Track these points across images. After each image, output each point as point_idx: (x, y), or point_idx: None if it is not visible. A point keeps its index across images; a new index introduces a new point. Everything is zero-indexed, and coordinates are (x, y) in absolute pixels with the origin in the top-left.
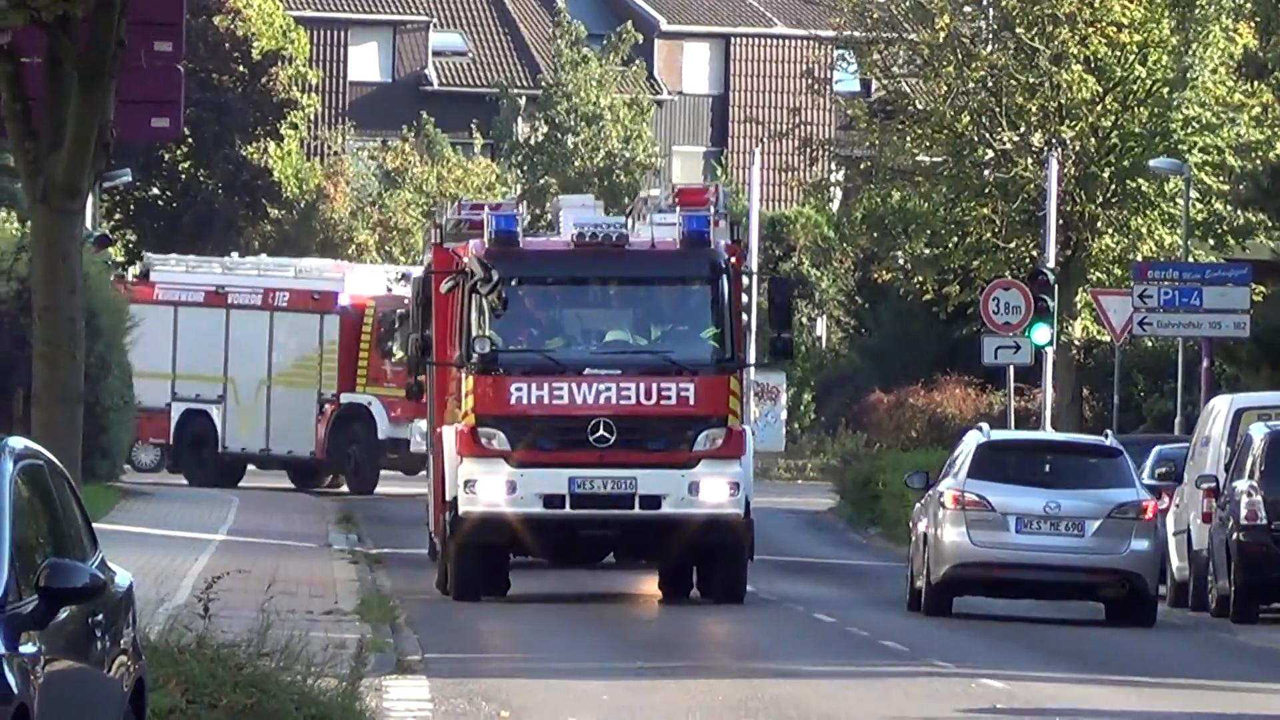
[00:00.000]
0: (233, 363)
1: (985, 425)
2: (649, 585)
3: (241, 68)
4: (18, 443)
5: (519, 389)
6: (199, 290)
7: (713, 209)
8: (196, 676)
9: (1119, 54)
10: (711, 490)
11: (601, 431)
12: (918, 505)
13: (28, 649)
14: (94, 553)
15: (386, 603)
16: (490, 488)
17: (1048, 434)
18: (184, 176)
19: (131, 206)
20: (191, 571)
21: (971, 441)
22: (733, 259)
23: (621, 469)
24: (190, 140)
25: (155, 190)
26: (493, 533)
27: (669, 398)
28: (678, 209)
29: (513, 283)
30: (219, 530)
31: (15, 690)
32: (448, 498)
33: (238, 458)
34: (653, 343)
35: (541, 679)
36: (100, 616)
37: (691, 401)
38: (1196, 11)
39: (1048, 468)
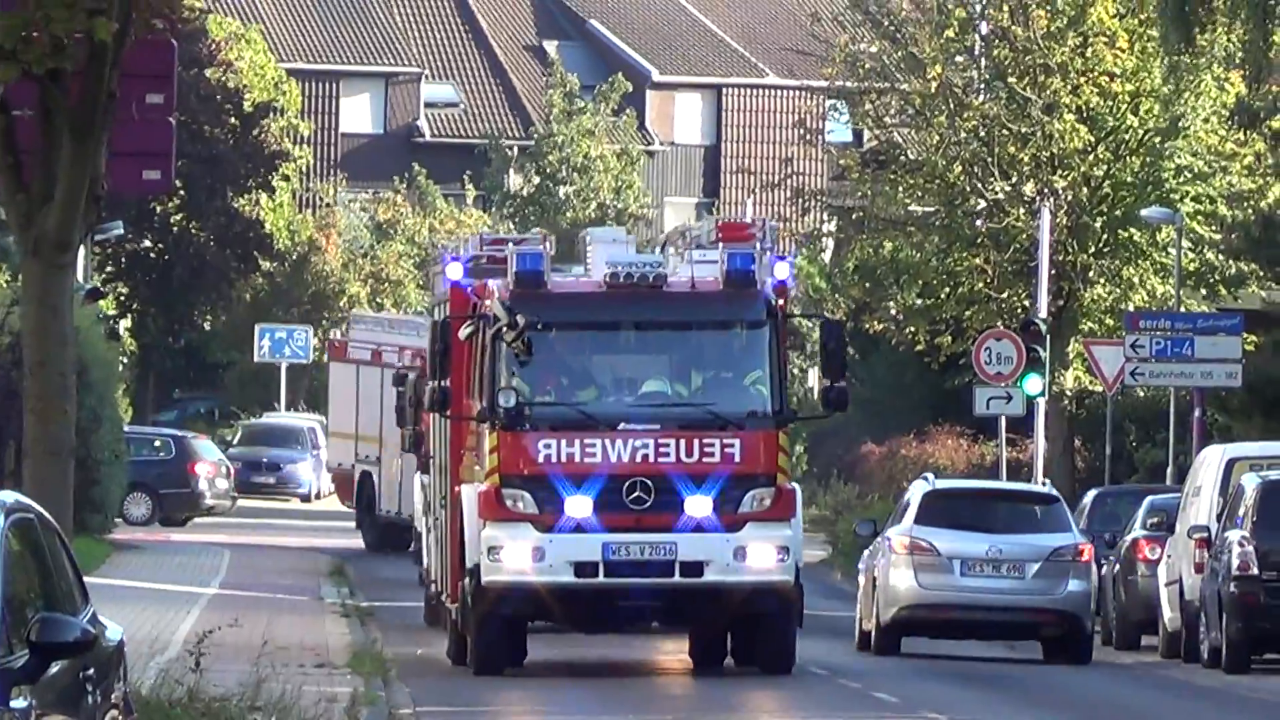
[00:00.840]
0: (386, 423)
1: (930, 475)
2: (669, 649)
3: (233, 120)
4: (9, 496)
5: (547, 446)
6: (368, 349)
7: (758, 245)
8: None
9: (1111, 103)
10: (759, 555)
11: (639, 492)
12: (865, 551)
13: (19, 704)
14: (85, 606)
15: (379, 656)
16: (516, 555)
17: (990, 483)
18: (175, 229)
19: (123, 259)
20: (183, 625)
21: (918, 490)
22: (780, 300)
23: (660, 533)
24: (182, 192)
25: (147, 243)
26: (519, 604)
27: (712, 454)
28: (720, 245)
29: (539, 328)
30: (211, 584)
31: None
32: (468, 564)
33: (390, 521)
34: (694, 394)
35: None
36: (91, 671)
37: (737, 458)
38: (1188, 60)
39: (990, 514)
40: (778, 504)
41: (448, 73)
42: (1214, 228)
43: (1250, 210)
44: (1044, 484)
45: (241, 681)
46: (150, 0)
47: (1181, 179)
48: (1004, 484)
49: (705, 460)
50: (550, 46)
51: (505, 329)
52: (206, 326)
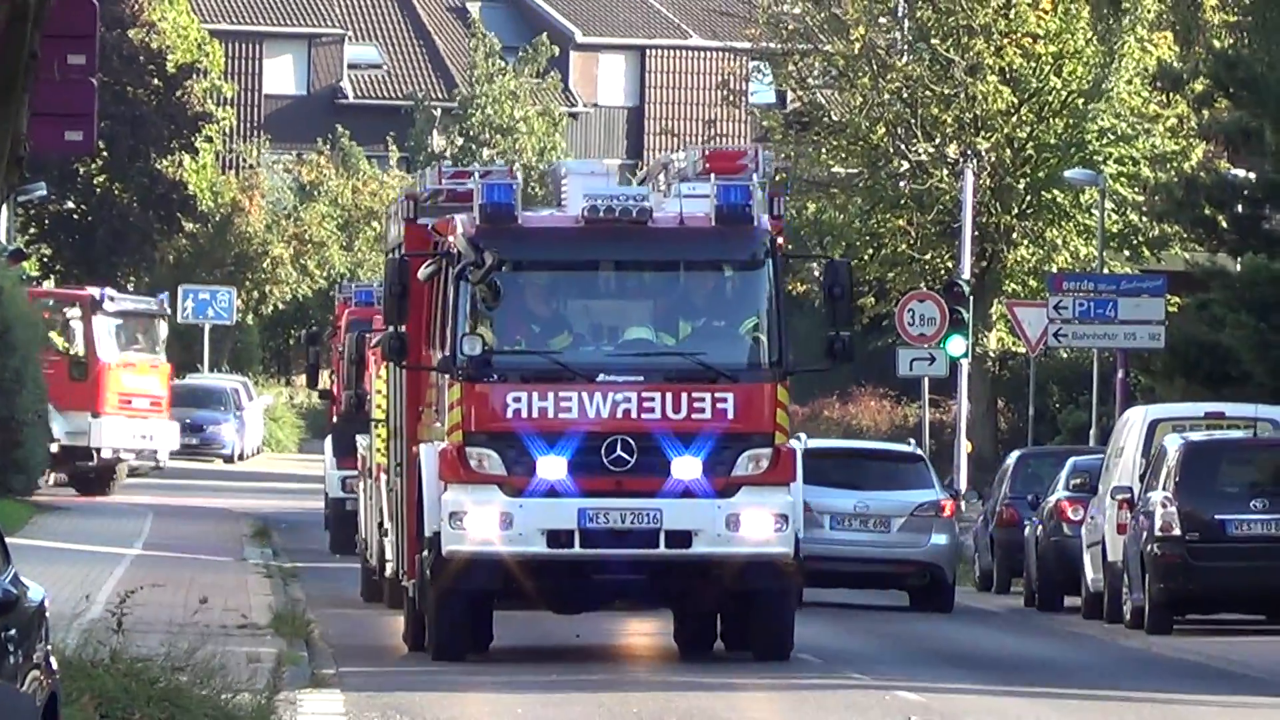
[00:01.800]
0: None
1: (803, 435)
2: (643, 629)
3: (156, 81)
4: None
5: (517, 400)
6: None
7: (754, 177)
8: (110, 691)
9: (1034, 65)
10: (754, 524)
11: (619, 452)
12: None
13: None
14: (6, 568)
15: (301, 617)
16: (482, 522)
17: (858, 442)
18: (98, 190)
19: (46, 221)
20: (106, 586)
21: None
22: (778, 238)
23: (644, 498)
24: (104, 154)
25: (70, 204)
26: (484, 577)
27: (702, 410)
28: (711, 178)
29: (509, 267)
30: (134, 544)
31: None
32: (427, 533)
33: None
34: (682, 342)
35: (456, 692)
36: (13, 631)
37: (730, 415)
38: (1113, 23)
39: (858, 472)
40: (776, 466)
41: (371, 34)
42: (1137, 189)
43: (1173, 172)
44: (910, 444)
45: (165, 642)
46: None
47: (1105, 141)
48: (871, 444)
49: (694, 417)
50: (473, 8)
51: (470, 268)
52: (130, 288)
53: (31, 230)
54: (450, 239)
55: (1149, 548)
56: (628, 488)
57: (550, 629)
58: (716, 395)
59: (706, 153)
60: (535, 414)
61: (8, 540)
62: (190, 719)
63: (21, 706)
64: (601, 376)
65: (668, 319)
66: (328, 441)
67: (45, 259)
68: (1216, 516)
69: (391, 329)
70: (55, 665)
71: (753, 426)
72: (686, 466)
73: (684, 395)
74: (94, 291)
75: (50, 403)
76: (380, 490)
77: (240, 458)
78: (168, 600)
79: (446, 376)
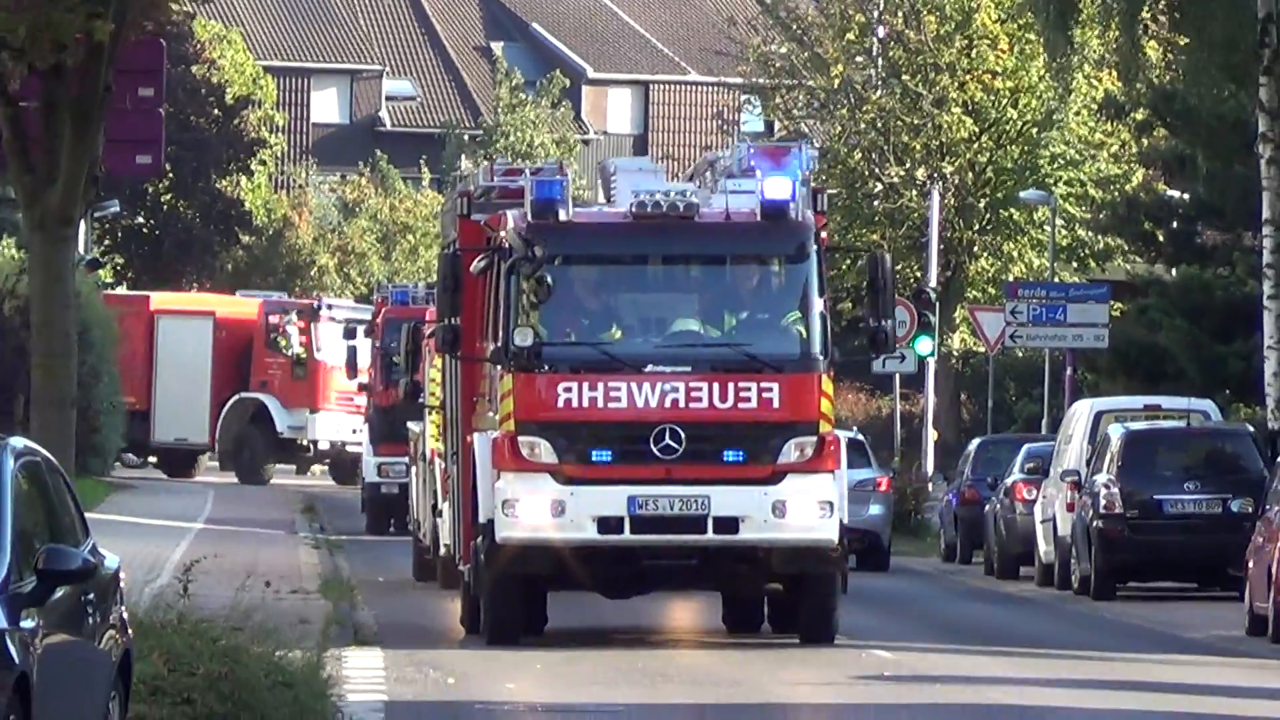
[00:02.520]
0: None
1: (854, 427)
2: (698, 614)
3: (216, 111)
4: (18, 442)
5: (568, 390)
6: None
7: (798, 174)
8: (177, 648)
9: (993, 98)
10: (800, 511)
11: (668, 440)
12: None
13: (27, 624)
14: (86, 539)
15: (346, 583)
16: (534, 509)
17: None
18: (165, 207)
19: (119, 234)
20: (173, 556)
21: None
22: (822, 233)
23: (692, 485)
24: (170, 175)
25: (140, 219)
26: (536, 563)
27: (749, 400)
28: (757, 174)
29: (559, 261)
30: (197, 519)
31: (16, 660)
32: (481, 520)
33: None
34: (728, 334)
35: (482, 650)
36: (92, 595)
37: (776, 404)
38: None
39: None
40: (821, 454)
41: (406, 70)
42: (1084, 208)
43: (1116, 193)
44: (853, 430)
45: (225, 606)
46: (142, 5)
47: (1055, 165)
48: None
49: (741, 406)
50: (496, 46)
51: (522, 262)
52: (194, 292)
53: (106, 242)
54: (502, 234)
55: (1094, 524)
56: (676, 475)
57: (600, 612)
58: (762, 385)
59: (752, 149)
60: (586, 404)
61: (86, 515)
62: (248, 673)
63: (99, 662)
64: (650, 367)
65: (714, 311)
66: (365, 430)
67: (118, 267)
68: (1154, 496)
69: (446, 321)
70: (128, 625)
71: (798, 415)
72: (733, 454)
73: (731, 385)
74: (314, 300)
75: (274, 398)
76: (434, 474)
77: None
78: (227, 568)
79: (499, 367)
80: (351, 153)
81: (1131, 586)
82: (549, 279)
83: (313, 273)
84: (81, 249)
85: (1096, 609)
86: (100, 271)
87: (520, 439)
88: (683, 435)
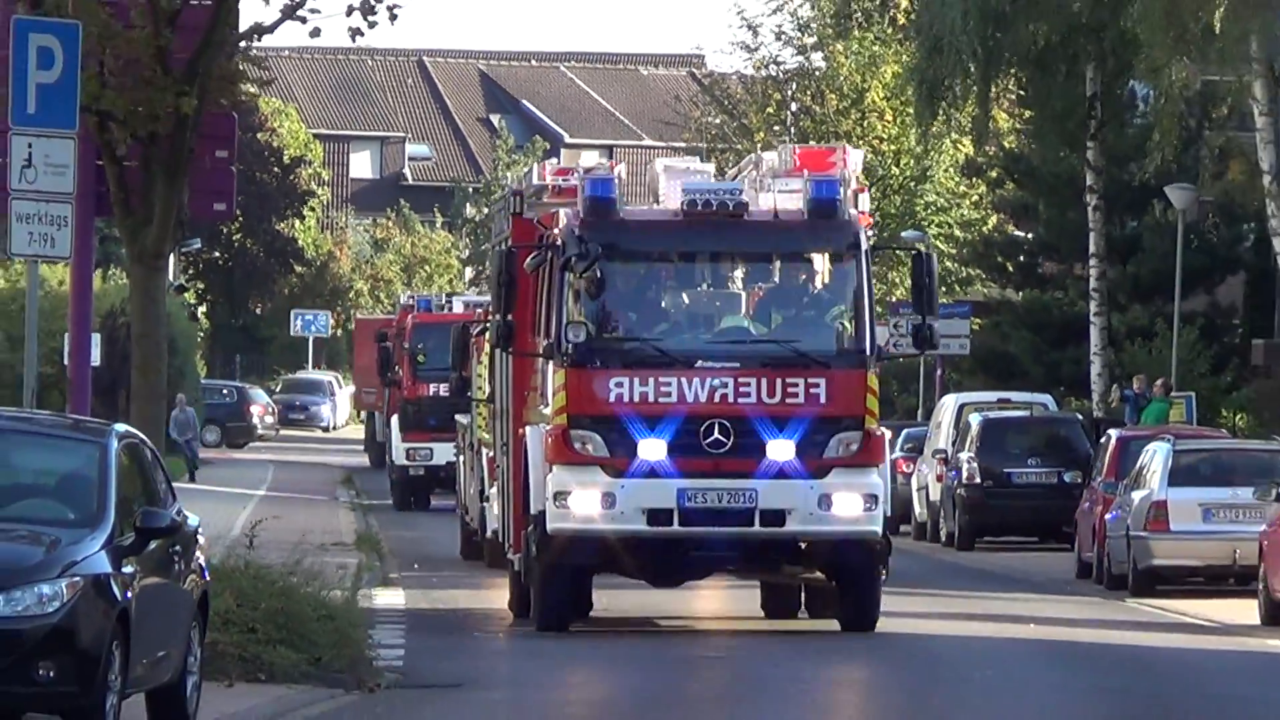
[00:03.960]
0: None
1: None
2: (721, 599)
3: (276, 168)
4: (121, 427)
5: (619, 385)
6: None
7: (843, 173)
8: (244, 588)
9: (880, 158)
10: (845, 504)
11: (716, 434)
12: None
13: (128, 570)
14: (173, 503)
15: (375, 537)
16: (585, 501)
17: None
18: (235, 244)
19: (200, 265)
20: (241, 517)
21: None
22: (866, 230)
23: (740, 479)
24: (240, 219)
25: (216, 254)
26: (586, 553)
27: (796, 395)
28: (805, 174)
29: (611, 258)
30: (260, 488)
31: (119, 598)
32: (533, 511)
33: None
34: (776, 330)
35: (484, 590)
36: (178, 547)
37: (823, 400)
38: (935, 129)
39: None
40: (866, 449)
41: (424, 136)
42: (951, 245)
43: (976, 233)
44: None
45: (282, 555)
46: (218, 85)
47: (929, 211)
48: None
49: (788, 401)
50: (495, 118)
51: (575, 259)
52: (258, 311)
53: (189, 272)
54: (555, 231)
55: (958, 491)
56: (725, 469)
57: (642, 597)
58: (809, 381)
59: (797, 150)
60: (636, 398)
61: (174, 485)
62: (299, 608)
63: (183, 599)
64: (700, 362)
65: (762, 308)
66: (394, 419)
67: (199, 291)
68: (1005, 469)
69: (500, 317)
70: (206, 571)
71: (844, 411)
72: (781, 448)
73: (778, 381)
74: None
75: None
76: (480, 462)
77: (333, 428)
78: (285, 527)
79: (551, 362)
80: (381, 201)
81: (987, 540)
82: (602, 275)
83: (350, 295)
84: (171, 277)
85: (960, 558)
86: (185, 294)
87: (572, 433)
88: (731, 429)
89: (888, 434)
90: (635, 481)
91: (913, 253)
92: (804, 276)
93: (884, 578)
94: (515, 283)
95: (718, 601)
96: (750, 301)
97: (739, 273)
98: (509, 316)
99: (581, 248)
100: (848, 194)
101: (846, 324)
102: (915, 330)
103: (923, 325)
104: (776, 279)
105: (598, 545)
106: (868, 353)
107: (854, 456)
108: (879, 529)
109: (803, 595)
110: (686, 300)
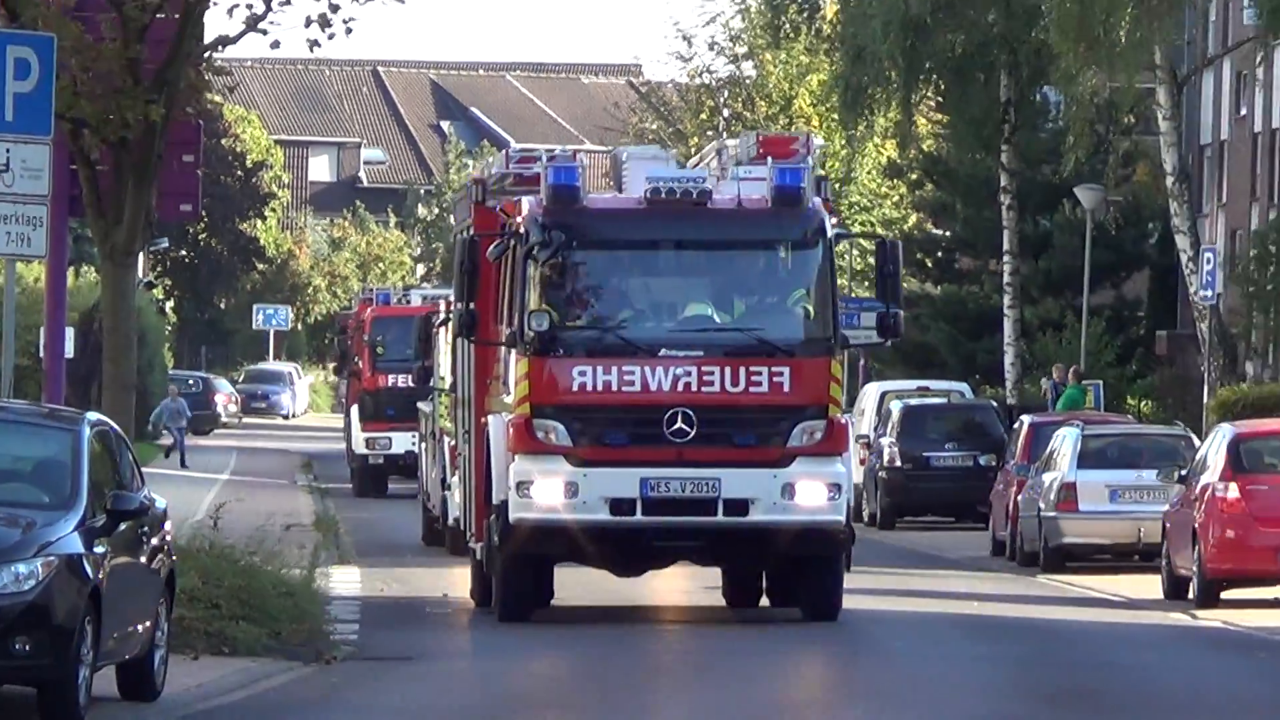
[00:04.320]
0: None
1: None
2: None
3: (239, 172)
4: (92, 416)
5: (582, 373)
6: None
7: (808, 160)
8: (209, 567)
9: None
10: (809, 493)
11: (680, 424)
12: None
13: (99, 550)
14: (142, 487)
15: (332, 519)
16: (547, 491)
17: None
18: (201, 243)
19: (168, 262)
20: (205, 499)
21: None
22: (832, 219)
23: (703, 468)
24: (205, 219)
25: (183, 252)
26: (549, 543)
27: (759, 384)
28: (769, 161)
29: (574, 246)
30: (224, 472)
31: (91, 576)
32: (495, 500)
33: None
34: (740, 318)
35: (442, 568)
36: (146, 528)
37: (786, 388)
38: (858, 133)
39: None
40: (829, 438)
41: (378, 142)
42: (874, 243)
43: (897, 231)
44: None
45: (244, 536)
46: (185, 94)
47: (854, 210)
48: None
49: (752, 390)
50: (445, 125)
51: (538, 248)
52: (222, 306)
53: (157, 269)
54: (518, 219)
55: (880, 473)
56: (688, 458)
57: (604, 584)
58: (773, 369)
59: (761, 138)
60: (599, 387)
61: (142, 469)
62: (260, 585)
63: (151, 578)
64: (663, 351)
65: (726, 296)
66: (354, 409)
67: (167, 287)
68: (924, 453)
69: (462, 306)
70: (173, 550)
71: (808, 399)
72: (744, 438)
73: (742, 369)
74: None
75: None
76: (442, 450)
77: (292, 416)
78: (247, 509)
79: (514, 351)
80: (338, 203)
81: (907, 520)
82: (565, 264)
83: (309, 291)
84: (140, 274)
85: (882, 537)
86: (154, 290)
87: (535, 422)
88: (694, 418)
89: (851, 422)
90: (598, 471)
91: (878, 241)
92: (768, 265)
93: (847, 567)
94: (478, 271)
95: (679, 589)
96: (714, 290)
97: (703, 261)
98: (471, 305)
99: (544, 236)
100: (811, 181)
101: (811, 312)
102: (880, 319)
103: (887, 314)
104: (740, 267)
105: (560, 535)
106: (832, 341)
107: (818, 445)
108: (842, 518)
109: (763, 583)
110: (650, 289)
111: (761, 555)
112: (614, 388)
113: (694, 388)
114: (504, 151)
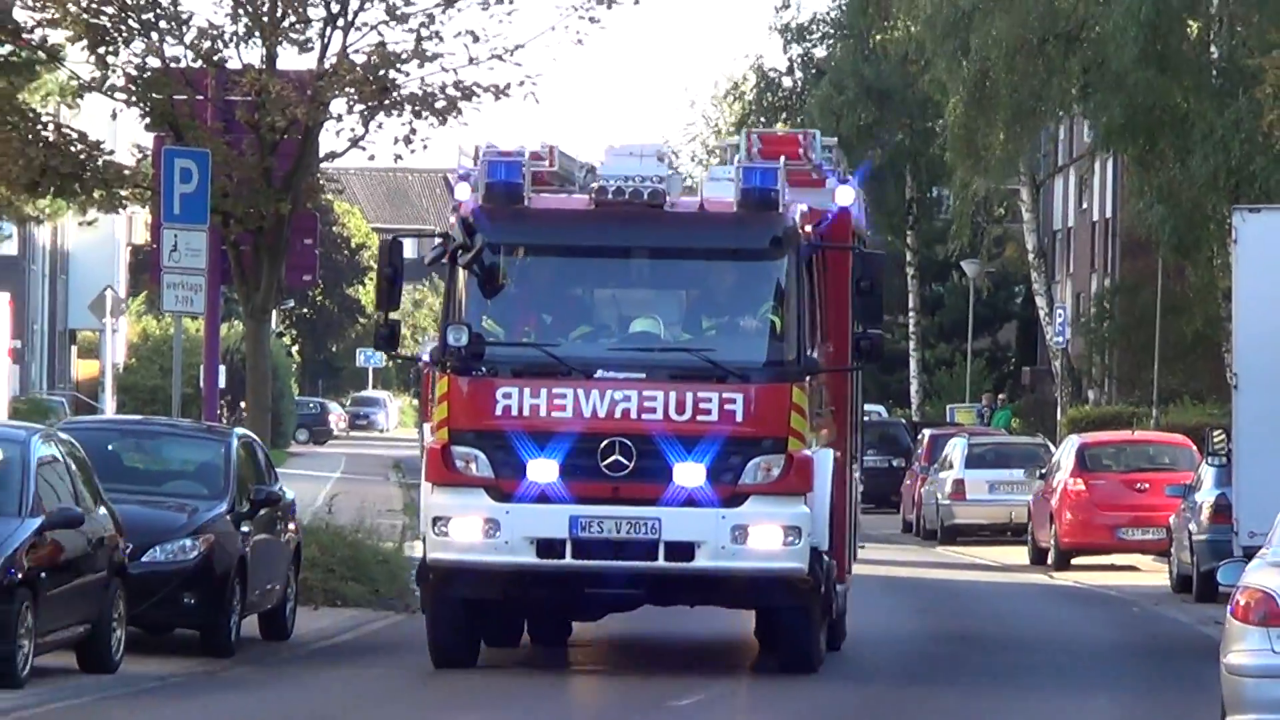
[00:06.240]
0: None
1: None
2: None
3: (345, 250)
4: (239, 430)
5: (507, 396)
6: None
7: (809, 162)
8: (325, 542)
9: None
10: (762, 537)
11: (616, 455)
12: None
13: (244, 529)
14: (276, 482)
15: (415, 506)
16: (465, 528)
17: None
18: (318, 303)
19: (294, 318)
20: (323, 491)
21: None
22: (806, 227)
23: (642, 506)
24: (321, 286)
25: (305, 310)
26: (469, 587)
27: (709, 412)
28: (735, 160)
29: (502, 251)
30: (336, 471)
31: (239, 549)
32: (420, 534)
33: None
34: (692, 337)
35: None
36: (279, 513)
37: (739, 418)
38: None
39: None
40: (788, 475)
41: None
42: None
43: None
44: None
45: (351, 519)
46: (306, 194)
47: None
48: None
49: (700, 419)
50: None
51: (460, 251)
52: (334, 349)
53: (285, 323)
54: (451, 219)
55: None
56: (625, 495)
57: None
58: (725, 395)
59: (764, 137)
60: (526, 412)
61: (276, 469)
62: (363, 554)
63: (283, 551)
64: (600, 372)
65: (678, 311)
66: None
67: (293, 335)
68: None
69: (381, 316)
70: (300, 529)
71: (763, 430)
72: (689, 473)
73: (689, 395)
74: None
75: None
76: None
77: (386, 430)
78: (353, 499)
79: (437, 368)
80: (418, 275)
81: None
82: (494, 270)
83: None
84: (273, 326)
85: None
86: (283, 338)
87: (453, 449)
88: (633, 450)
89: (824, 455)
90: (522, 507)
91: (855, 253)
92: (728, 276)
93: (832, 614)
94: (398, 276)
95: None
96: (665, 304)
97: (654, 271)
98: (389, 316)
99: (467, 238)
100: (785, 183)
101: (773, 331)
102: (855, 341)
103: (862, 335)
104: (697, 278)
105: (481, 578)
106: (797, 365)
107: (773, 483)
108: (803, 565)
109: (753, 624)
110: (591, 301)
111: (713, 603)
112: (542, 413)
113: (633, 414)
114: (480, 146)
